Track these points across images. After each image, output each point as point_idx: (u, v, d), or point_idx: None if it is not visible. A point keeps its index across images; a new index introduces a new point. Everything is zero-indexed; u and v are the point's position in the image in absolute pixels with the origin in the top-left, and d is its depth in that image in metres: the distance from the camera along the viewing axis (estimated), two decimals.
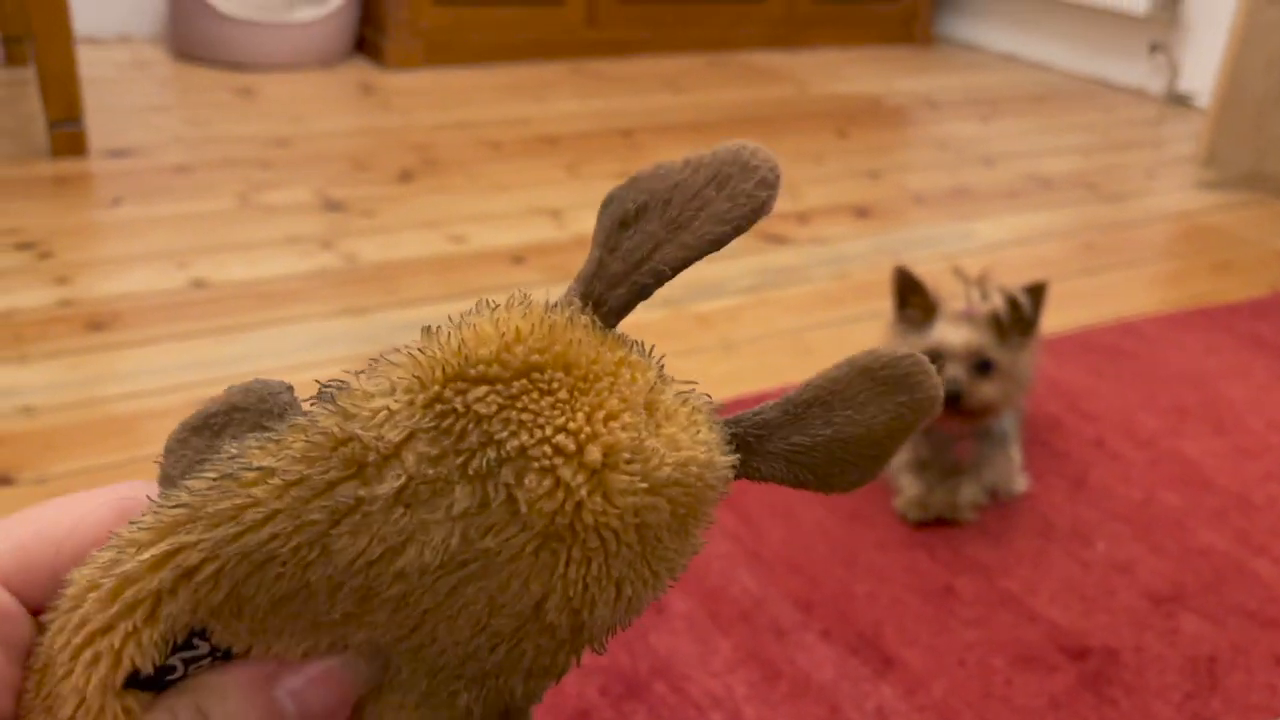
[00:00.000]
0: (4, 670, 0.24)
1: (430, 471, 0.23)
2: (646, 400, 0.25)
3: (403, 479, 0.23)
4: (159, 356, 1.26)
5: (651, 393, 0.25)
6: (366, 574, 0.24)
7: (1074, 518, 1.09)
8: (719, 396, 0.29)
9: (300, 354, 1.29)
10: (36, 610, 0.24)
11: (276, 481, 0.23)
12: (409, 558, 0.24)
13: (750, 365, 1.33)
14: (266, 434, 0.24)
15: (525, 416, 0.24)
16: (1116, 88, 2.93)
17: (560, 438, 0.24)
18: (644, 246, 0.27)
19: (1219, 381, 1.38)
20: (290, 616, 0.24)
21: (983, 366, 1.03)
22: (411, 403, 0.24)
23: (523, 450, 0.24)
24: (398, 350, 0.25)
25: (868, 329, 1.43)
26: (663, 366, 0.27)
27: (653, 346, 0.27)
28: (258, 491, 0.23)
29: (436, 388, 0.24)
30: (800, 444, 0.27)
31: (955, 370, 1.02)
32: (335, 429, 0.24)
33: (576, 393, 0.24)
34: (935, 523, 1.07)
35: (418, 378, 0.24)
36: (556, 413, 0.24)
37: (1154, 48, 2.83)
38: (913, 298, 1.07)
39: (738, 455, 0.26)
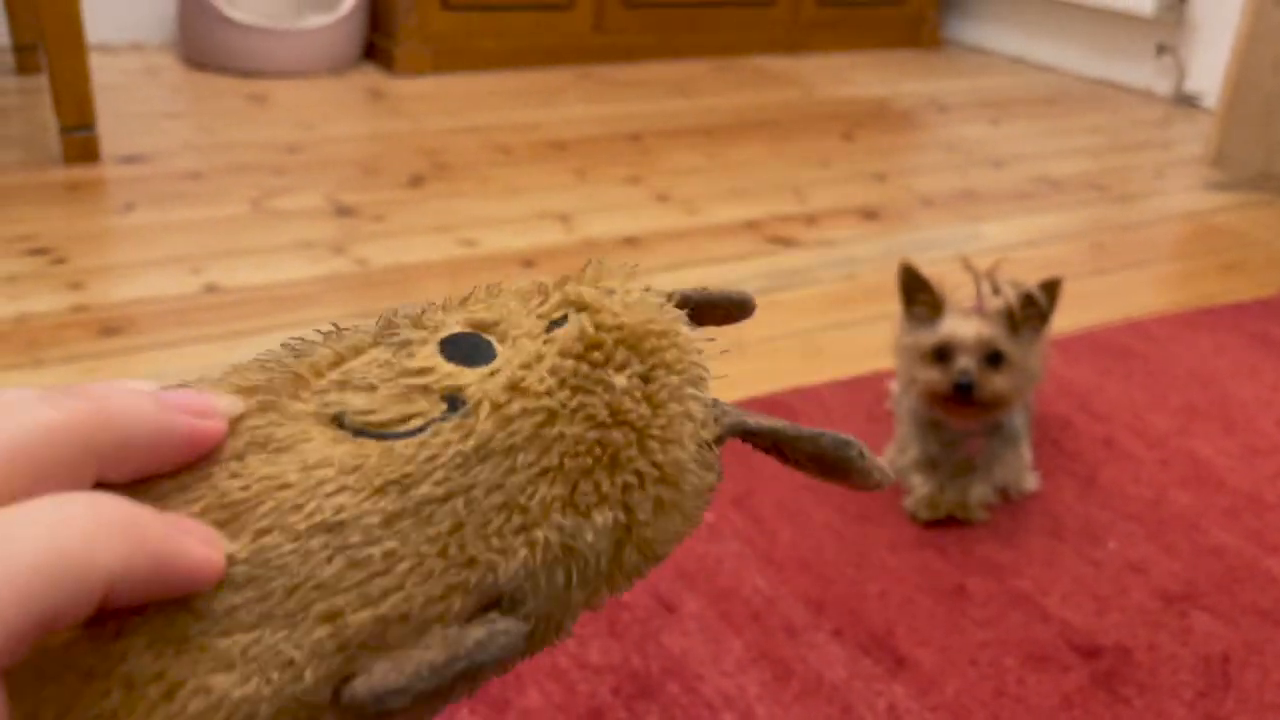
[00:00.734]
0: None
1: None
2: None
3: None
4: (172, 361, 1.27)
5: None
6: None
7: (1085, 517, 1.09)
8: (729, 398, 0.30)
9: None
10: None
11: None
12: None
13: (760, 367, 1.34)
14: None
15: None
16: (1124, 89, 2.93)
17: None
18: None
19: (1229, 381, 1.38)
20: None
21: (994, 358, 1.03)
22: None
23: None
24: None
25: (876, 330, 1.43)
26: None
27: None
28: None
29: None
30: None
31: (966, 362, 1.02)
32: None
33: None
34: (946, 522, 1.07)
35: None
36: None
37: (1161, 49, 2.83)
38: (919, 294, 1.08)
39: None
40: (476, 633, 0.23)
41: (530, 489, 0.25)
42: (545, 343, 0.27)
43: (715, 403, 0.29)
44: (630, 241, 1.70)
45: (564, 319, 0.28)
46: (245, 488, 0.24)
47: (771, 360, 1.36)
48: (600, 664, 0.86)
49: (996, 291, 1.08)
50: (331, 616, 0.23)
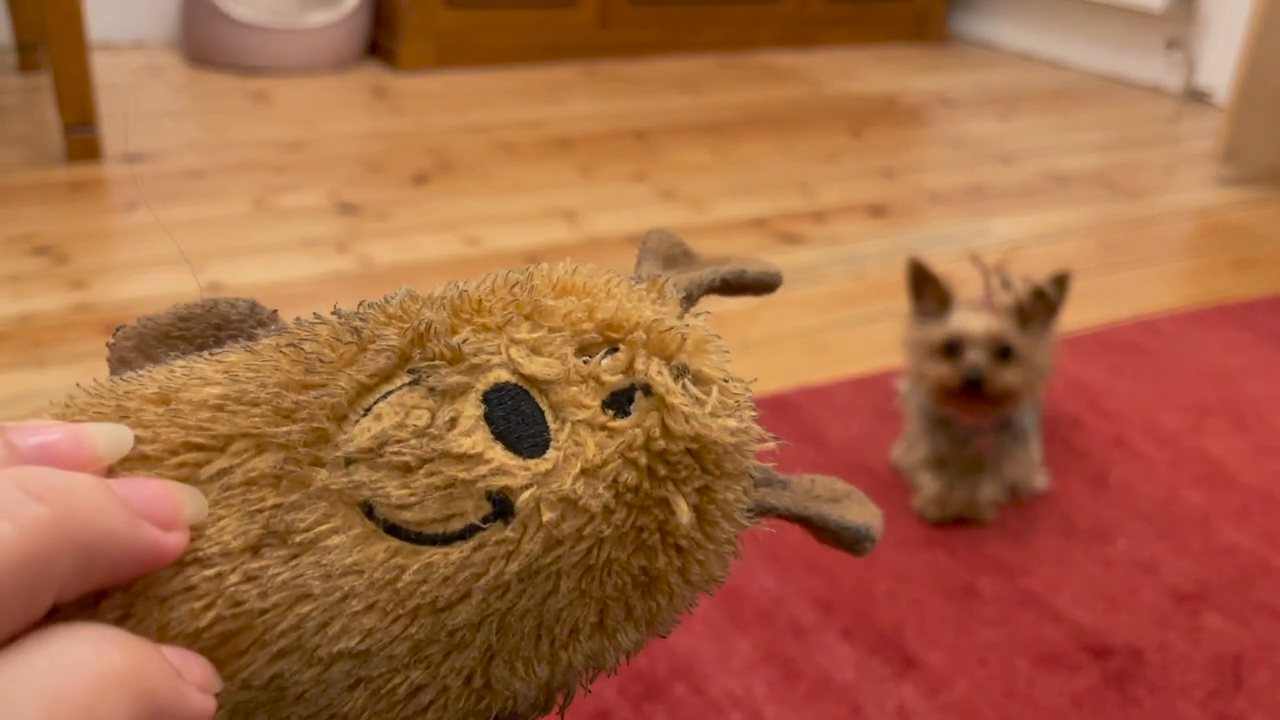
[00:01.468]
0: None
1: None
2: None
3: None
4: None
5: None
6: None
7: (1095, 516, 1.08)
8: None
9: None
10: None
11: None
12: None
13: (767, 364, 1.33)
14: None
15: None
16: (1134, 84, 2.91)
17: None
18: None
19: (1240, 379, 1.36)
20: None
21: (1003, 352, 1.02)
22: None
23: None
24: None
25: (884, 328, 1.42)
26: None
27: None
28: None
29: None
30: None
31: (976, 356, 1.01)
32: None
33: None
34: (955, 521, 1.06)
35: None
36: None
37: (1171, 44, 2.81)
38: (927, 289, 1.07)
39: None
40: None
41: (565, 614, 0.24)
42: (606, 432, 0.24)
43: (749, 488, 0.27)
44: (636, 239, 1.69)
45: (628, 394, 0.25)
46: (263, 595, 0.21)
47: (779, 358, 1.35)
48: None
49: (1006, 286, 1.07)
50: None
